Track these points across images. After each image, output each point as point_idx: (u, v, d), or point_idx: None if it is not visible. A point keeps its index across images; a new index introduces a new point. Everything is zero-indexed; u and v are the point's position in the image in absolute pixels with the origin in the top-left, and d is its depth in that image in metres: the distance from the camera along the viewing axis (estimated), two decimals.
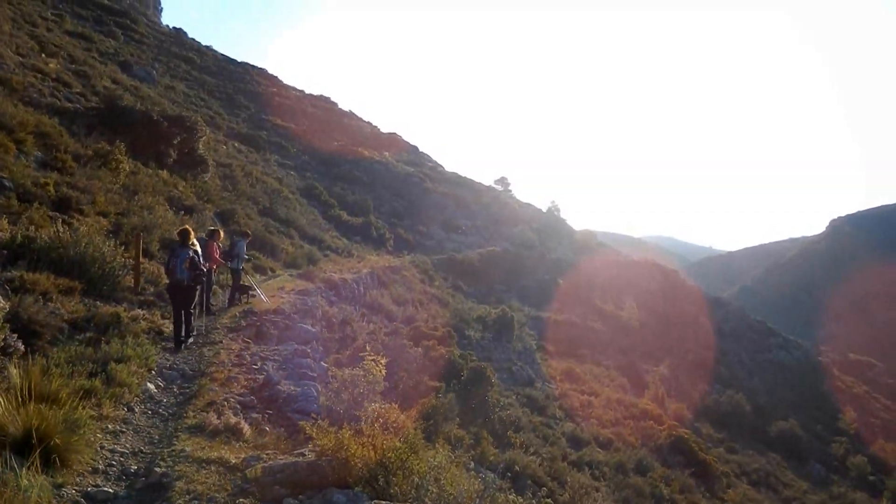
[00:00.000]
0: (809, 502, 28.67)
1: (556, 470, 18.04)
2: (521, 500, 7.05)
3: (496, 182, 79.52)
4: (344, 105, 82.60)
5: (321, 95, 80.00)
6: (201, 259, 10.99)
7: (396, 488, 5.19)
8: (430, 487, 5.24)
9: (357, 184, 52.78)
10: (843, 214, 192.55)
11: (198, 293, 11.36)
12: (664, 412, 30.85)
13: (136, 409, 7.25)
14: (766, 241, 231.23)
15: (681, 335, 49.07)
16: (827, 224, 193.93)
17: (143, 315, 10.96)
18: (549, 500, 8.39)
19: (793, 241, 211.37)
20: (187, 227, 11.40)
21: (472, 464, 12.79)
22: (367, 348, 11.54)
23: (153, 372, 8.61)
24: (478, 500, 5.60)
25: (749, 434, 36.24)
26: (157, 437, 6.64)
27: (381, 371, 8.91)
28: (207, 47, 75.21)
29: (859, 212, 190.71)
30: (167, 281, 11.07)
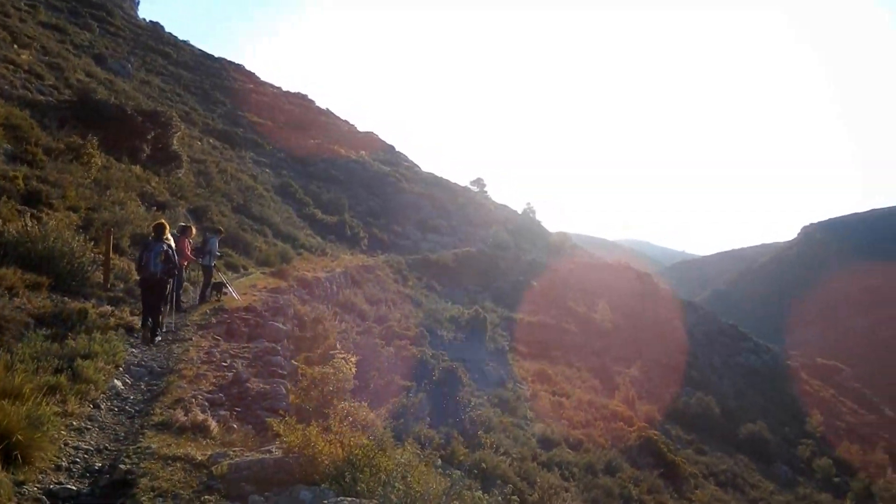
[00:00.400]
0: (775, 503, 29.13)
1: (526, 470, 18.13)
2: (489, 498, 7.08)
3: (472, 183, 79.74)
4: (321, 103, 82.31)
5: (298, 93, 79.59)
6: (175, 254, 10.95)
7: (363, 485, 5.21)
8: (396, 485, 5.25)
9: (332, 182, 52.64)
10: (815, 221, 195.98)
11: (169, 288, 11.30)
12: (635, 414, 31.13)
13: (103, 406, 7.18)
14: (739, 247, 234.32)
15: (653, 338, 49.48)
16: (799, 230, 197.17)
17: (112, 311, 10.85)
18: (515, 497, 8.43)
19: (765, 246, 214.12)
20: (162, 221, 11.36)
21: (441, 462, 12.85)
22: (339, 347, 11.54)
23: (121, 368, 8.53)
24: (444, 498, 5.62)
25: (718, 436, 36.69)
26: (122, 434, 6.59)
27: (351, 369, 8.90)
28: (185, 42, 74.43)
29: (831, 219, 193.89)
30: (139, 276, 10.99)
